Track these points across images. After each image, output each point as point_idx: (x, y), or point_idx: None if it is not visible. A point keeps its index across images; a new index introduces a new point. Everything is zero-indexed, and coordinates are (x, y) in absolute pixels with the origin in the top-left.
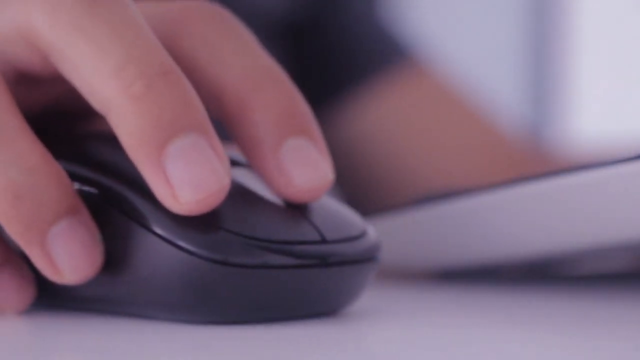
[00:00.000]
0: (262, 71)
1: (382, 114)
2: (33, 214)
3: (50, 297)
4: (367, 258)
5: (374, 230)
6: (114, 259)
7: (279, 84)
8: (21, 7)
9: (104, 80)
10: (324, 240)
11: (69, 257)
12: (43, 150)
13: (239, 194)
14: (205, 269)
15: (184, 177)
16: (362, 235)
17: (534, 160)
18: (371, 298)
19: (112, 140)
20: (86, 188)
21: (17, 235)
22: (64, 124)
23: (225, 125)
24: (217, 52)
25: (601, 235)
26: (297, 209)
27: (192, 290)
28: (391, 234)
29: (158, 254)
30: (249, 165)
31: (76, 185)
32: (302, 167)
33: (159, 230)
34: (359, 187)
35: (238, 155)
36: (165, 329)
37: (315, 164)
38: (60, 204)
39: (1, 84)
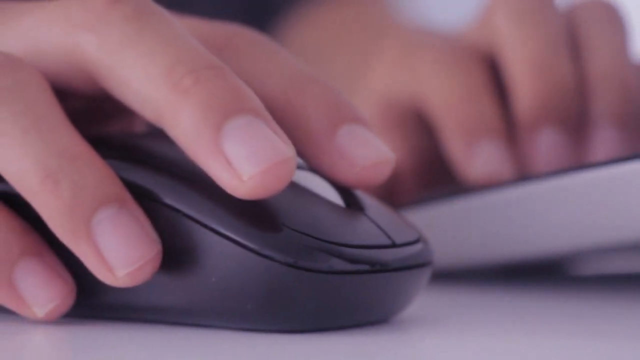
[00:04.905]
0: (303, 75)
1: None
2: (74, 198)
3: (97, 307)
4: (429, 261)
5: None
6: (172, 262)
7: (320, 83)
8: (66, 27)
9: (154, 85)
10: (394, 245)
11: (119, 249)
12: (85, 143)
13: (305, 197)
14: (276, 273)
15: (242, 151)
16: (420, 237)
17: None
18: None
19: (162, 137)
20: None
21: (61, 227)
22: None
23: None
24: (259, 68)
25: (602, 235)
26: (361, 212)
27: (256, 295)
28: None
29: (223, 255)
30: (310, 168)
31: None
32: (362, 147)
33: (227, 232)
34: None
35: (299, 160)
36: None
37: (373, 144)
38: (103, 190)
39: (44, 83)
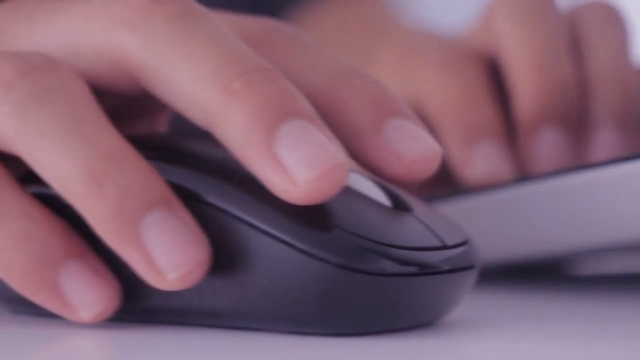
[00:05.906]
0: (346, 69)
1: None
2: (120, 201)
3: (143, 311)
4: (477, 263)
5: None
6: (221, 264)
7: (363, 76)
8: (107, 26)
9: (202, 86)
10: (444, 246)
11: (169, 252)
12: (129, 145)
13: (354, 198)
14: (328, 275)
15: (296, 156)
16: (468, 239)
17: None
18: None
19: (206, 138)
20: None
21: (107, 232)
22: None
23: None
24: (300, 63)
25: (602, 235)
26: (410, 213)
27: (308, 297)
28: None
29: (274, 257)
30: (354, 169)
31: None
32: (408, 141)
33: (278, 234)
34: None
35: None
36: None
37: (420, 137)
38: (150, 192)
39: (83, 84)
